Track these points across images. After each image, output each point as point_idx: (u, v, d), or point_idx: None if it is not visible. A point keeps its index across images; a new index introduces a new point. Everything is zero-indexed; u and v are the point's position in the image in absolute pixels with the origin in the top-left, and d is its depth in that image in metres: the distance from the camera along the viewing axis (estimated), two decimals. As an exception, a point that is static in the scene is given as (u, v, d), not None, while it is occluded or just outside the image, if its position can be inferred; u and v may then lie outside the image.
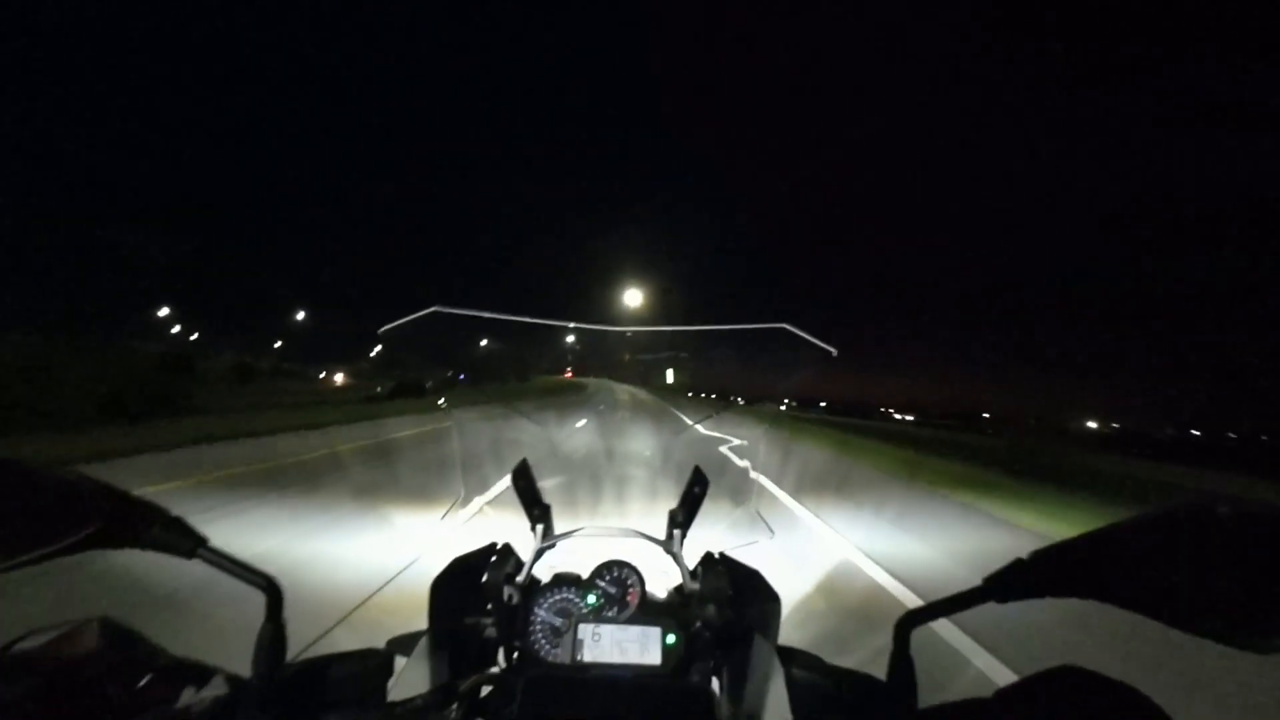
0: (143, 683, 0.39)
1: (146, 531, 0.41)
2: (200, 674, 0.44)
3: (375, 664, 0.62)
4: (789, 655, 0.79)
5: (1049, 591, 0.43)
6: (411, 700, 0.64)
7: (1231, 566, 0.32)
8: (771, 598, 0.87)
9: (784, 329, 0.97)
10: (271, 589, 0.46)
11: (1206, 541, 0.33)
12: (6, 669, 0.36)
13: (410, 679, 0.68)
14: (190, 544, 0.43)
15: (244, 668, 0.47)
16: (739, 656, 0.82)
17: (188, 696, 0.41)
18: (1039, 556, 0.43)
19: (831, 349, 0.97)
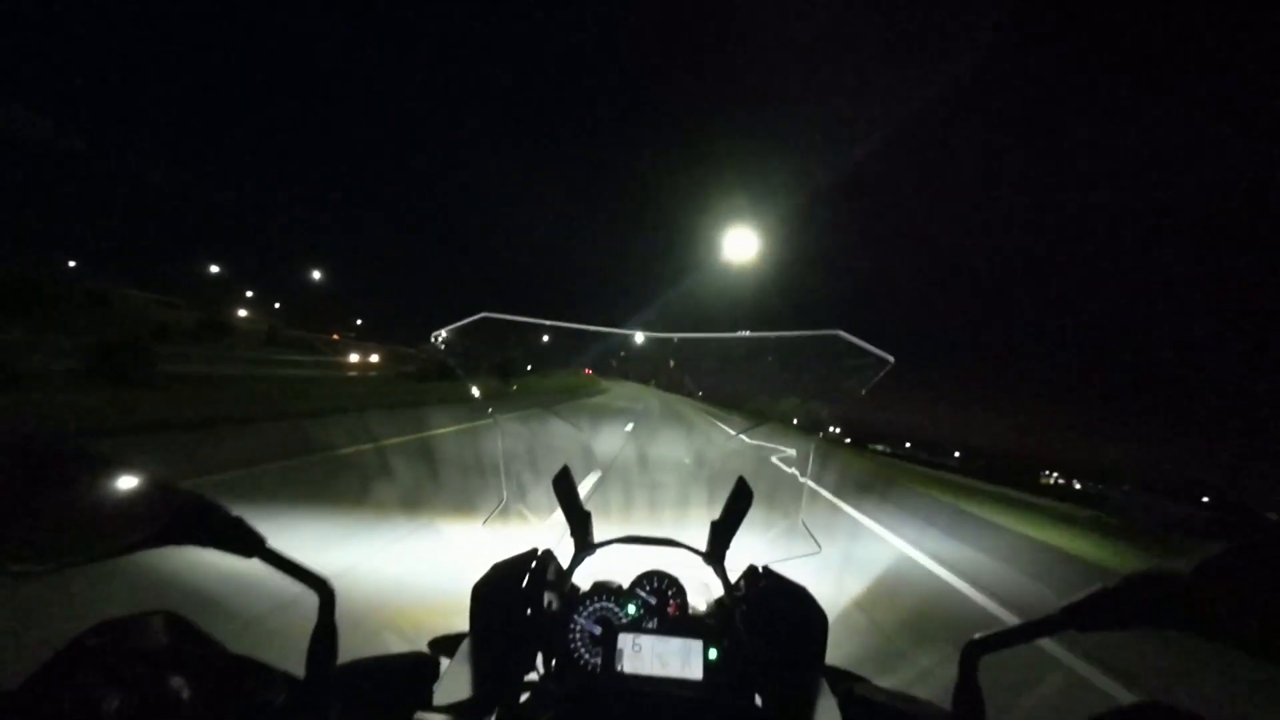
0: (206, 676, 0.40)
1: (209, 530, 0.42)
2: (257, 671, 0.45)
3: (421, 666, 0.63)
4: (836, 676, 0.76)
5: (1138, 623, 0.39)
6: (456, 704, 0.64)
7: None
8: (818, 615, 0.84)
9: (838, 336, 0.93)
10: (324, 591, 0.46)
11: None
12: (79, 658, 0.37)
13: (453, 682, 0.68)
14: (250, 543, 0.43)
15: (298, 667, 0.48)
16: (783, 675, 0.79)
17: (249, 691, 0.42)
18: (1127, 584, 0.39)
19: (889, 356, 0.93)
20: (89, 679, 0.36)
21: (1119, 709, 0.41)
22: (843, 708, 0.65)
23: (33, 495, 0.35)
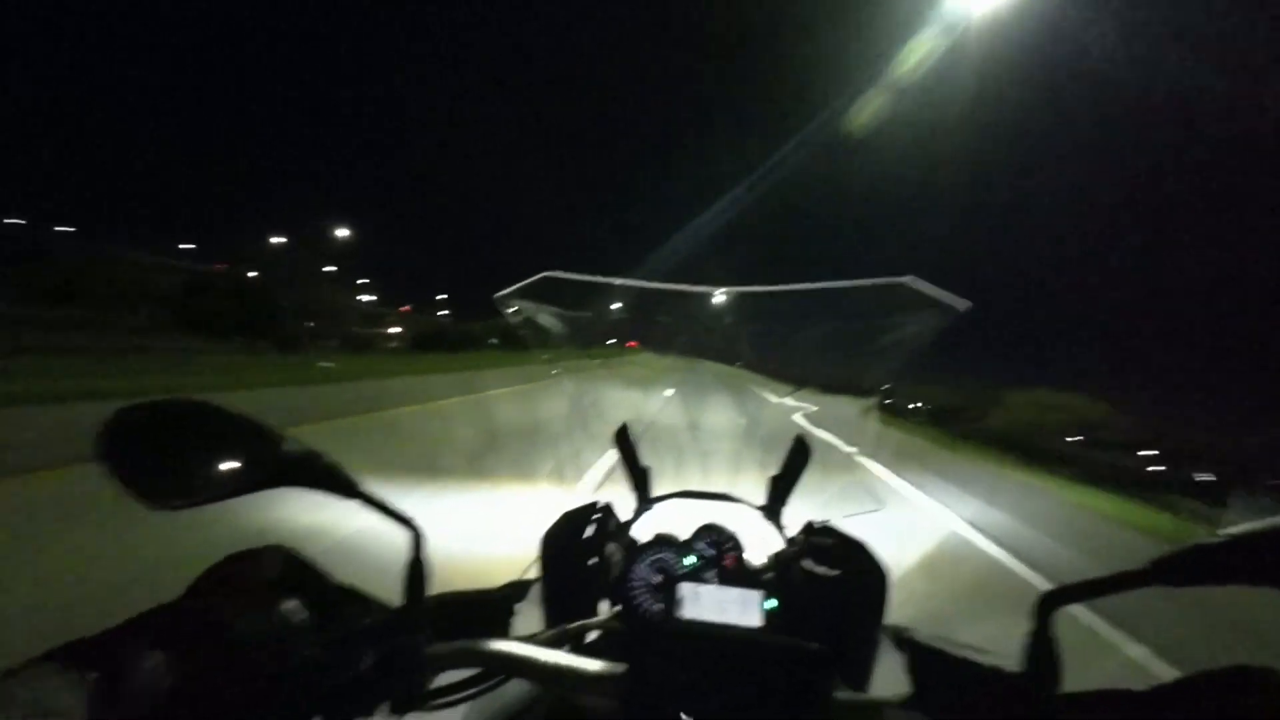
0: (317, 601, 0.45)
1: (312, 474, 0.46)
2: (360, 599, 0.50)
3: (500, 600, 0.68)
4: (900, 632, 0.76)
5: (1238, 579, 0.37)
6: (533, 635, 0.69)
7: None
8: (877, 570, 0.84)
9: (907, 284, 0.89)
10: (414, 530, 0.51)
11: None
12: (213, 584, 0.42)
13: (525, 620, 0.73)
14: (347, 486, 0.48)
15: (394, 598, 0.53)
16: (843, 628, 0.80)
17: (353, 617, 0.47)
18: (1229, 541, 0.37)
19: (961, 302, 0.88)
20: (223, 602, 0.41)
21: (1207, 671, 0.40)
22: (910, 658, 0.65)
23: (173, 443, 0.41)
